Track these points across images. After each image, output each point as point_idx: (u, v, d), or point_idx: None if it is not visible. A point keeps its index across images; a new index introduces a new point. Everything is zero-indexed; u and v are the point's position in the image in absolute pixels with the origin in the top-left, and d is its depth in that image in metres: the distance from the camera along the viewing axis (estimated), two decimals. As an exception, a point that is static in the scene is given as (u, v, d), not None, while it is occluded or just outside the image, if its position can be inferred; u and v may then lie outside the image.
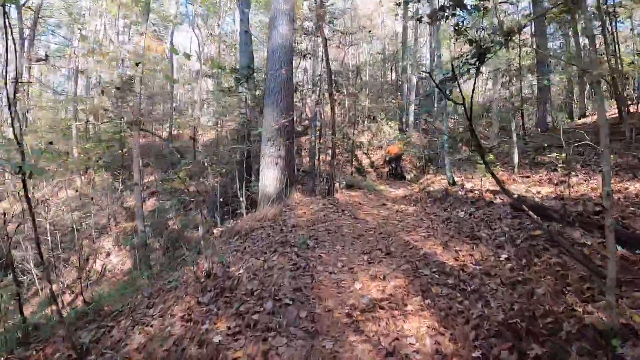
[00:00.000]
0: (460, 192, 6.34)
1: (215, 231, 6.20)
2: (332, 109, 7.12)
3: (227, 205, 10.05)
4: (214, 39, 20.91)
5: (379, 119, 14.80)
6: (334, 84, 7.59)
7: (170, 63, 18.89)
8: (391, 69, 22.08)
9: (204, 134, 18.16)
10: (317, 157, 10.15)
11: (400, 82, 20.44)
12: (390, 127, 14.39)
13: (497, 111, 10.99)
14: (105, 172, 14.98)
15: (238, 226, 5.37)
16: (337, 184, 8.56)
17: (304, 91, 14.00)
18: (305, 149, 14.02)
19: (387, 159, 11.95)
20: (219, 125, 15.19)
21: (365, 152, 14.29)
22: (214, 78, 17.31)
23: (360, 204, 6.94)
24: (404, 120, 15.92)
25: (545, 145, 8.09)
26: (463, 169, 9.00)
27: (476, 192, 6.11)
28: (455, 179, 7.57)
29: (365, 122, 15.50)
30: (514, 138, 7.41)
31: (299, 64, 13.94)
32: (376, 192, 8.68)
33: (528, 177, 6.79)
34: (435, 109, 17.93)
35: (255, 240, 4.76)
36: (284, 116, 6.72)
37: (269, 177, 6.74)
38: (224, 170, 11.36)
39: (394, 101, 15.91)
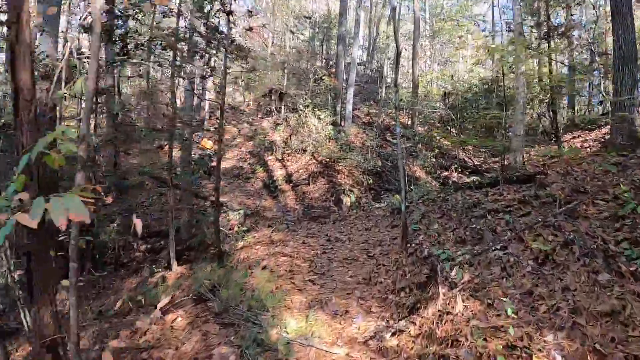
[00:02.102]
0: None
1: None
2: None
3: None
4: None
5: (302, 107, 9.64)
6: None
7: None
8: (322, 42, 17.05)
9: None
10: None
11: (330, 61, 15.61)
12: (319, 119, 9.34)
13: (524, 96, 6.38)
14: None
15: None
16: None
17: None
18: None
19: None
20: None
21: (280, 157, 9.08)
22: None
23: None
24: (338, 109, 11.00)
25: None
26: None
27: None
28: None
29: (283, 110, 10.25)
30: None
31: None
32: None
33: None
34: (381, 95, 13.44)
35: None
36: None
37: None
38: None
39: (326, 78, 10.78)
